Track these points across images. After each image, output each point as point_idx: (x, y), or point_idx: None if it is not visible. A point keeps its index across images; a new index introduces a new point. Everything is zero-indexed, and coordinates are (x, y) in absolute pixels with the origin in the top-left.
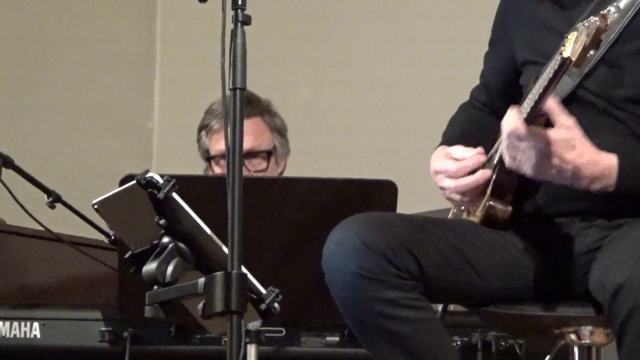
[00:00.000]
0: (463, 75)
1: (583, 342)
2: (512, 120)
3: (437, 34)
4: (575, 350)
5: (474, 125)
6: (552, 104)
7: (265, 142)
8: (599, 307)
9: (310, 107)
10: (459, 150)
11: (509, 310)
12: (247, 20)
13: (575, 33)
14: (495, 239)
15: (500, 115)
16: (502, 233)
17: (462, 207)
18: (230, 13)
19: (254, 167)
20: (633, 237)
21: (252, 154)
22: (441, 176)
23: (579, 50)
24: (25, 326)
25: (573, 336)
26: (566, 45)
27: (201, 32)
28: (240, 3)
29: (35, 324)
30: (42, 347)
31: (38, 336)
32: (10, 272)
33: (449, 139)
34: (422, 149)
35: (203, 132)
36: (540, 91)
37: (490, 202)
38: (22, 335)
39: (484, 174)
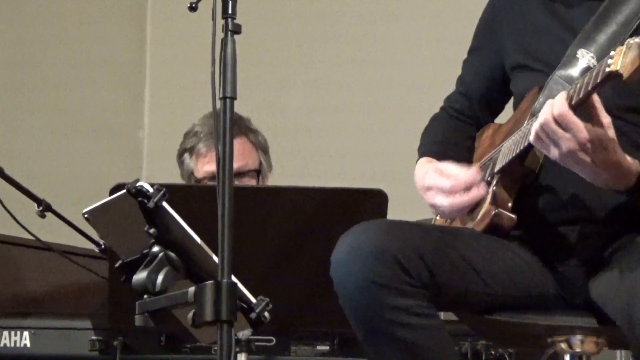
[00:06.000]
0: (455, 78)
1: (574, 351)
2: (562, 104)
3: (431, 35)
4: (567, 358)
5: (451, 134)
6: (597, 99)
7: (252, 161)
8: (599, 317)
9: (300, 109)
10: (451, 167)
11: (501, 318)
12: (237, 29)
13: (622, 47)
14: (497, 247)
15: (481, 122)
16: (503, 240)
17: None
18: (220, 22)
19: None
20: None
21: (240, 174)
22: (432, 193)
23: (633, 69)
24: (15, 335)
25: (564, 345)
26: (614, 58)
27: (192, 39)
28: (230, 12)
29: (25, 333)
30: (32, 356)
31: (28, 345)
32: (0, 281)
33: (427, 151)
34: (415, 153)
35: (186, 155)
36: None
37: (497, 211)
38: (12, 345)
39: (479, 191)
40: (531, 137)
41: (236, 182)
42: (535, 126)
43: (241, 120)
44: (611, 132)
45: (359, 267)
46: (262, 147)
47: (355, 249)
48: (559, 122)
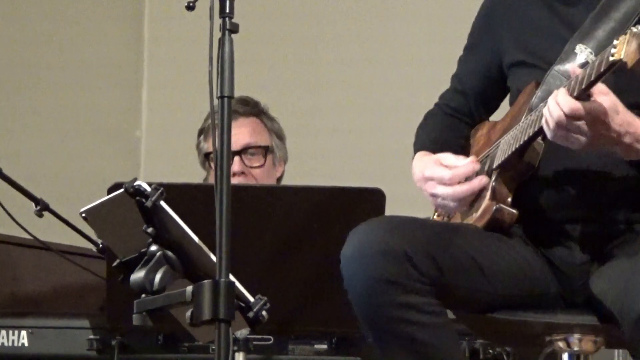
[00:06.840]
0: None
1: (572, 349)
2: (568, 101)
3: (430, 35)
4: (565, 357)
5: (446, 133)
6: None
7: (261, 139)
8: (598, 316)
9: (299, 109)
10: (450, 158)
11: (500, 316)
12: (234, 29)
13: (626, 36)
14: (500, 246)
15: (476, 120)
16: (505, 238)
17: (451, 214)
18: (217, 21)
19: (251, 163)
20: None
21: (249, 151)
22: (433, 183)
23: (638, 57)
24: (13, 334)
25: (562, 344)
26: (618, 47)
27: (189, 39)
28: (227, 11)
29: (23, 332)
30: (30, 355)
31: (26, 344)
32: None
33: (423, 148)
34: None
35: (201, 138)
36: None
37: (497, 206)
38: (10, 344)
39: (481, 181)
40: (550, 137)
41: (244, 159)
42: (549, 132)
43: (256, 104)
44: (615, 97)
45: (369, 263)
46: (275, 132)
47: (365, 245)
48: (573, 118)
